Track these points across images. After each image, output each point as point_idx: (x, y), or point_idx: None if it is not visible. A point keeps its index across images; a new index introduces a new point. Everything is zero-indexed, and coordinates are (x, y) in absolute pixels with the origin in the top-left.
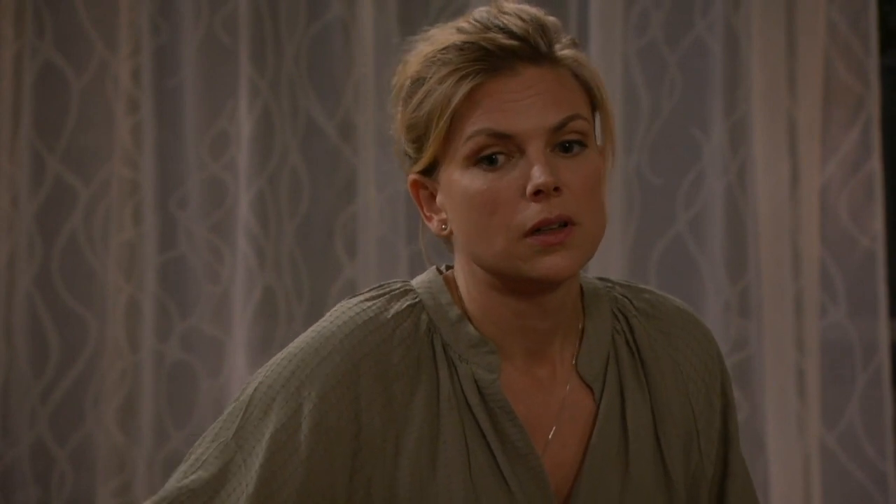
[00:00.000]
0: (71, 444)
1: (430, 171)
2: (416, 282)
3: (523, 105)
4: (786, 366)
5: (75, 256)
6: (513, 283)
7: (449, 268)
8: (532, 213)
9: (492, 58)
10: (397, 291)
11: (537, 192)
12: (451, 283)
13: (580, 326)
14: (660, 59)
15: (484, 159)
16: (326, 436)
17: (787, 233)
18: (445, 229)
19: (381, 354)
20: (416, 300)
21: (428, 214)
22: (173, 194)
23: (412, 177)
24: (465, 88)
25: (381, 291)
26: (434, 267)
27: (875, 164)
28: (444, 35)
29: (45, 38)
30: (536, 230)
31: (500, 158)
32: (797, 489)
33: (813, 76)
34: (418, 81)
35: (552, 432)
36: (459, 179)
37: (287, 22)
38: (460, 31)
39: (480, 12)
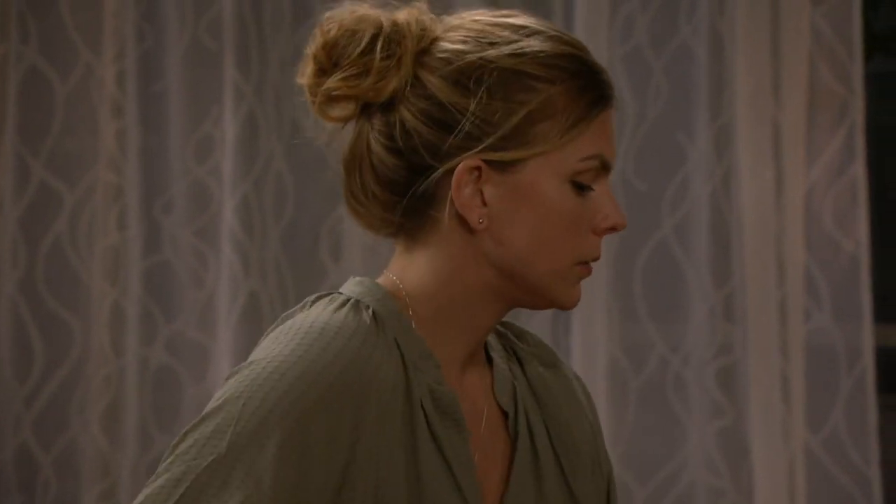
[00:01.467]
0: (55, 450)
1: (501, 165)
2: (354, 293)
3: (614, 142)
4: (770, 371)
5: (60, 261)
6: (522, 294)
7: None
8: (595, 246)
9: (604, 86)
10: (352, 301)
11: (607, 230)
12: (391, 293)
13: (488, 356)
14: (645, 64)
15: (582, 183)
16: (328, 448)
17: (771, 238)
18: (482, 223)
19: (375, 362)
20: (371, 310)
21: (466, 202)
22: (158, 199)
23: (477, 162)
24: (601, 116)
25: (341, 301)
26: (359, 278)
27: (859, 170)
28: (555, 43)
29: (29, 43)
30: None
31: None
32: (782, 494)
33: (798, 81)
34: (531, 78)
35: (483, 436)
36: (549, 190)
37: (272, 27)
38: (573, 47)
39: (563, 34)
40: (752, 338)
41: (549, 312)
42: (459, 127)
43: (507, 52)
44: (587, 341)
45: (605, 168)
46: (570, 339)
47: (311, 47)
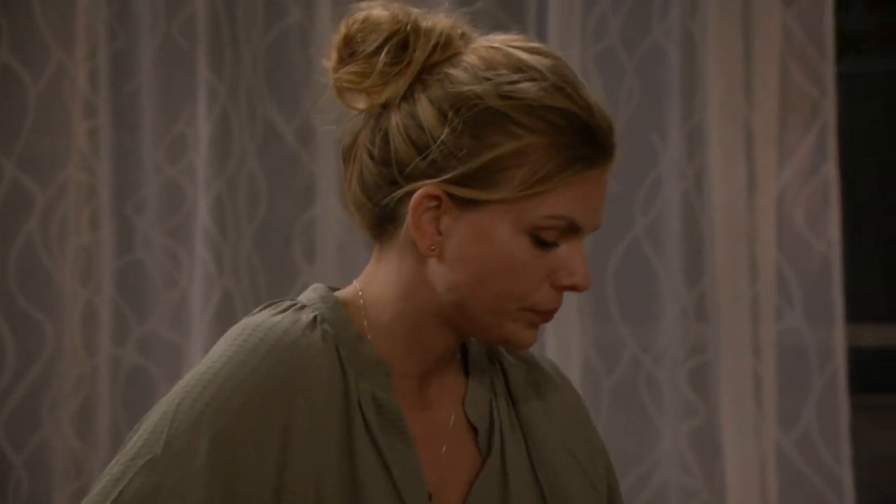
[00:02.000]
0: (27, 450)
1: (462, 200)
2: (302, 298)
3: (597, 205)
4: (742, 371)
5: (32, 261)
6: (470, 326)
7: (333, 289)
8: (551, 298)
9: (596, 148)
10: (296, 306)
11: (566, 287)
12: (343, 301)
13: (464, 367)
14: (618, 65)
15: (543, 240)
16: (256, 451)
17: (743, 238)
18: (433, 251)
19: (305, 364)
20: (315, 314)
21: (421, 227)
22: (130, 199)
23: (439, 190)
24: (581, 177)
25: (285, 306)
26: (315, 285)
27: (831, 170)
28: (554, 91)
29: (1, 43)
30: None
31: (555, 245)
32: (754, 494)
33: (769, 82)
34: (510, 121)
35: (444, 448)
36: (506, 237)
37: (245, 26)
38: (575, 99)
39: (571, 75)
40: (724, 337)
41: None
42: (427, 153)
43: (498, 91)
44: (560, 341)
45: (572, 228)
46: (544, 339)
47: (336, 37)
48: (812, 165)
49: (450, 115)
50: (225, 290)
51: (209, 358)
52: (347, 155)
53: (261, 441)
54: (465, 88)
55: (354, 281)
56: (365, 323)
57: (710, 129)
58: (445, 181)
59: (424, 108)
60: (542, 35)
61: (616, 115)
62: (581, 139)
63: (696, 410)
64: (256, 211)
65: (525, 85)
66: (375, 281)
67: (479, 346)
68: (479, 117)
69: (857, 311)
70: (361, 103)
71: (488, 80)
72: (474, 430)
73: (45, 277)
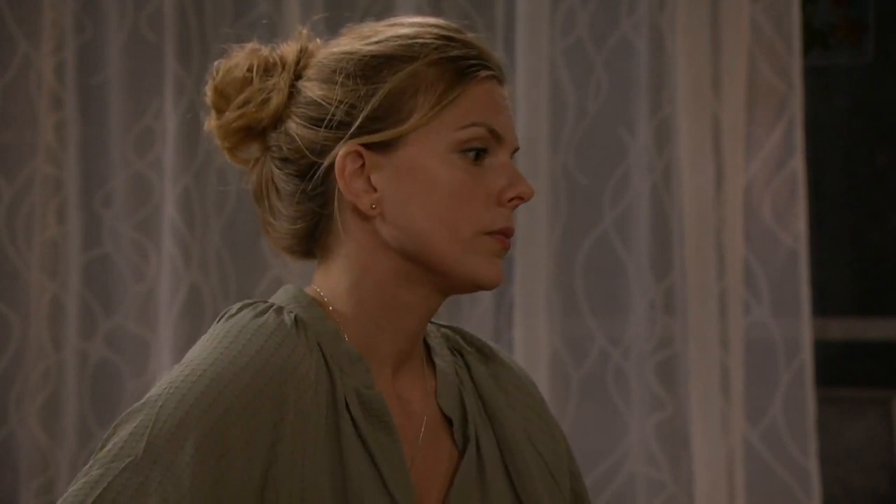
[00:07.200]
0: None
1: (382, 147)
2: (278, 299)
3: (508, 116)
4: (710, 364)
5: None
6: (435, 277)
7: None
8: (502, 216)
9: (481, 59)
10: (274, 307)
11: (512, 199)
12: (315, 300)
13: (431, 361)
14: (586, 59)
15: (471, 151)
16: (248, 447)
17: (711, 232)
18: (375, 209)
19: (294, 363)
20: (295, 314)
21: (355, 190)
22: (98, 192)
23: (356, 146)
24: (479, 87)
25: (264, 307)
26: (286, 287)
27: (798, 164)
28: (421, 27)
29: None
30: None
31: (485, 155)
32: (721, 487)
33: (737, 76)
34: (392, 59)
35: (419, 440)
36: (434, 163)
37: (213, 19)
38: (440, 27)
39: (438, 20)
40: (692, 331)
41: (490, 305)
42: (329, 116)
43: (370, 42)
44: (529, 334)
45: (495, 137)
46: (513, 333)
47: (209, 97)
48: (779, 159)
49: (334, 76)
50: (193, 284)
51: (191, 360)
52: (258, 193)
53: (249, 440)
54: (337, 51)
55: (311, 286)
56: (337, 318)
57: (679, 123)
58: (357, 134)
59: (311, 87)
60: (510, 29)
61: (585, 109)
62: (463, 53)
63: (664, 403)
64: (225, 204)
65: (395, 29)
66: (329, 278)
67: (440, 338)
68: (361, 65)
69: (824, 304)
70: (247, 151)
71: (361, 39)
72: (447, 420)
73: (12, 271)
